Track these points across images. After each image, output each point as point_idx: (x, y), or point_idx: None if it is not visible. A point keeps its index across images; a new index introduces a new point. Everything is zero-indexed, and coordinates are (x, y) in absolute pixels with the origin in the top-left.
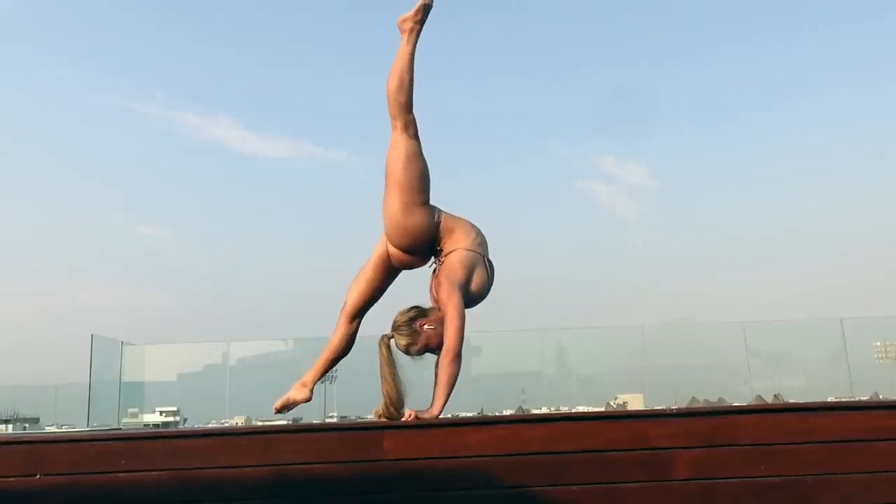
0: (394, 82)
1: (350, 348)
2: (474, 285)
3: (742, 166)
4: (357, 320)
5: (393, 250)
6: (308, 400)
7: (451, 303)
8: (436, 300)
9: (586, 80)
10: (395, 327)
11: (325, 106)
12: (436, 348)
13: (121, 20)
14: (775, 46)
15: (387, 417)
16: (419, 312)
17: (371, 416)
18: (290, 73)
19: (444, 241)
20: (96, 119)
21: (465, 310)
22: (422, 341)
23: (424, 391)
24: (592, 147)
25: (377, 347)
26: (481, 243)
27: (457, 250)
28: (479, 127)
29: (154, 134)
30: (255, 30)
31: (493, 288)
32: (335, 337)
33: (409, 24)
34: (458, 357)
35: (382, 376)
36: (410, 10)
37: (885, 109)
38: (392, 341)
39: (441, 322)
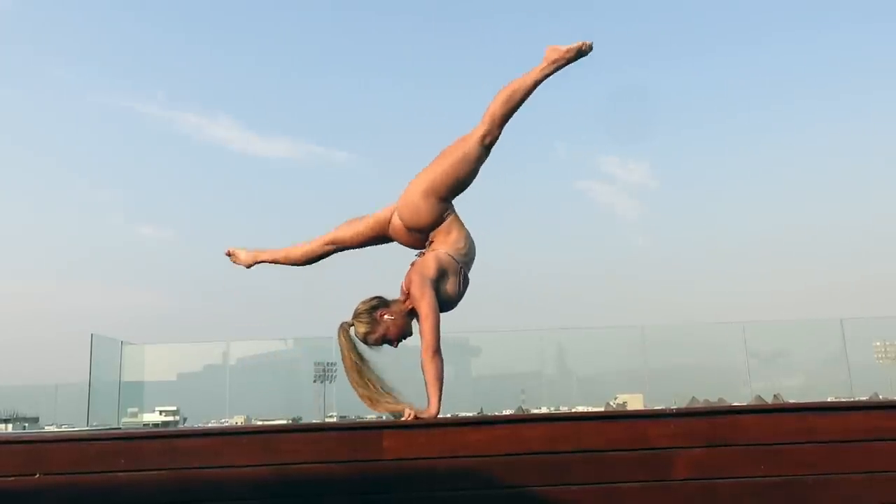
0: (505, 93)
1: (305, 263)
2: (444, 290)
3: (742, 165)
4: (327, 250)
5: (396, 221)
6: (247, 266)
7: (424, 300)
8: (405, 293)
9: (586, 80)
10: (356, 315)
11: (326, 106)
12: (394, 339)
13: (120, 20)
14: (776, 47)
15: (387, 410)
16: (380, 302)
17: (372, 416)
18: (291, 72)
19: (436, 237)
20: (96, 119)
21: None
22: (380, 330)
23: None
24: (592, 147)
25: (336, 337)
26: (465, 255)
27: (438, 251)
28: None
29: (154, 134)
30: (256, 30)
31: (489, 293)
32: (301, 246)
33: (554, 55)
34: (437, 352)
35: (346, 365)
36: (565, 45)
37: (886, 109)
38: (351, 329)
39: (402, 314)
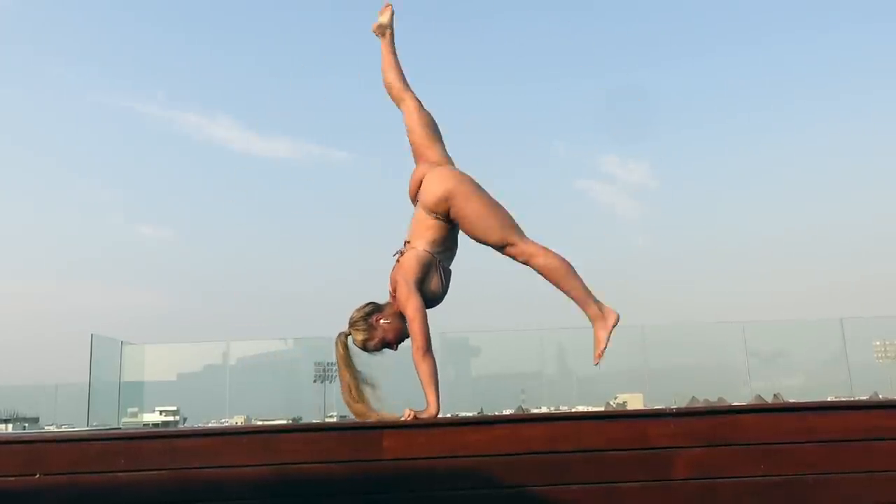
0: (563, 270)
1: (386, 86)
2: (428, 288)
3: (743, 166)
4: (395, 100)
5: (420, 171)
6: (377, 24)
7: (410, 304)
8: (393, 296)
9: (586, 79)
10: (352, 323)
11: (327, 105)
12: (393, 342)
13: (120, 20)
14: (776, 47)
15: (361, 416)
16: (374, 308)
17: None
18: (291, 72)
19: (419, 223)
20: (96, 119)
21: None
22: (378, 336)
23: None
24: (592, 147)
25: (334, 347)
26: (441, 246)
27: (416, 248)
28: (477, 128)
29: (154, 134)
30: (256, 30)
31: (490, 293)
32: (397, 77)
33: (600, 334)
34: (427, 352)
35: (341, 378)
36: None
37: (886, 109)
38: (349, 339)
39: (396, 316)
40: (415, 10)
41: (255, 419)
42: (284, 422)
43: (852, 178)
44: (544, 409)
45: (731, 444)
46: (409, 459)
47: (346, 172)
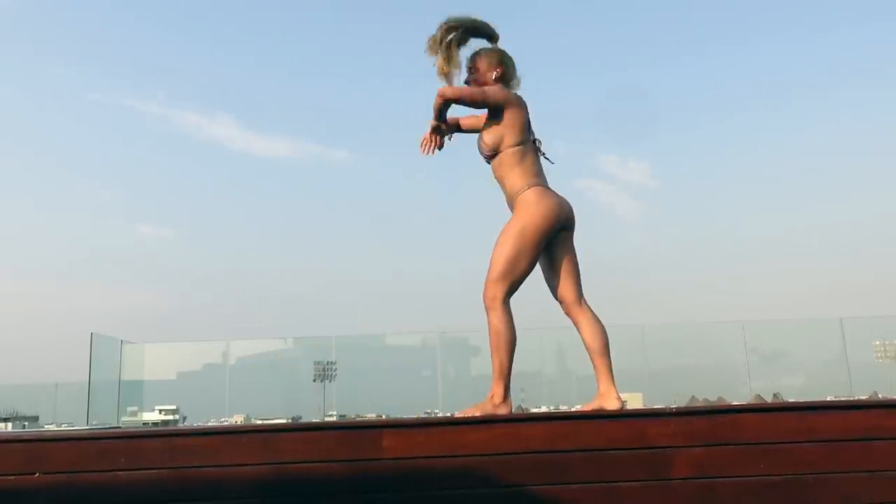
0: (501, 330)
1: None
2: (508, 117)
3: (742, 166)
4: None
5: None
6: None
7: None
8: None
9: (586, 79)
10: (449, 57)
11: (326, 105)
12: (464, 101)
13: (120, 20)
14: (775, 46)
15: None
16: (474, 69)
17: (371, 416)
18: (290, 71)
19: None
20: (96, 118)
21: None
22: (453, 79)
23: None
24: (592, 147)
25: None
26: (528, 165)
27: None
28: None
29: (154, 133)
30: (256, 30)
31: None
32: None
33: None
34: (444, 92)
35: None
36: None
37: (886, 109)
38: (437, 62)
39: (473, 94)
40: (415, 9)
41: (255, 418)
42: (284, 421)
43: (852, 178)
44: (544, 409)
45: (731, 444)
46: (408, 459)
47: (346, 172)
